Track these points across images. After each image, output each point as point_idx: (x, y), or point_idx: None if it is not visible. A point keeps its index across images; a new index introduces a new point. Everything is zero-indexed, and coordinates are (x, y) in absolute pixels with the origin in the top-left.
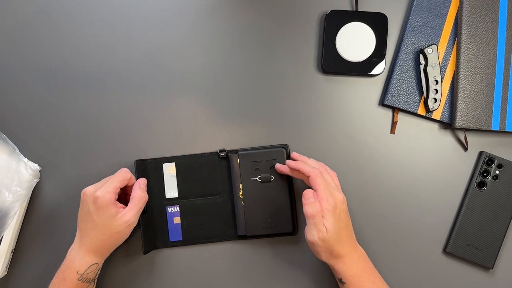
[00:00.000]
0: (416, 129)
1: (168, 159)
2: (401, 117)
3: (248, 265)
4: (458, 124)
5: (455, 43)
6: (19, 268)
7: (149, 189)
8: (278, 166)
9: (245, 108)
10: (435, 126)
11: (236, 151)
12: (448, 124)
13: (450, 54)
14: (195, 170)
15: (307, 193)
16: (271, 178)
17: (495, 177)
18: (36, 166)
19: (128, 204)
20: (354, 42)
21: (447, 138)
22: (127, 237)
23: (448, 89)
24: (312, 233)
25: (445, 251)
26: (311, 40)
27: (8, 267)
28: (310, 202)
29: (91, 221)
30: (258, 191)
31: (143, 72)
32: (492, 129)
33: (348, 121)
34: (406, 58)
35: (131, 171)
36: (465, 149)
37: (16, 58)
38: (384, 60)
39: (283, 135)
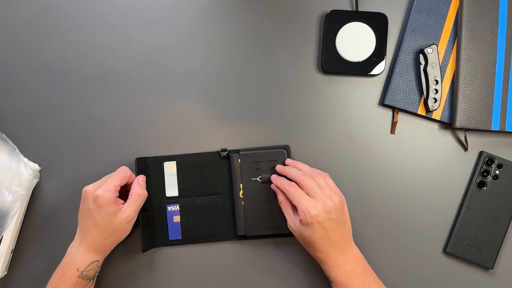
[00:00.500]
0: (416, 129)
1: (169, 158)
2: (401, 117)
3: (247, 265)
4: (458, 124)
5: (455, 43)
6: (19, 268)
7: (150, 187)
8: (279, 167)
9: (245, 107)
10: (435, 126)
11: (237, 151)
12: (448, 124)
13: (450, 54)
14: (196, 169)
15: (272, 185)
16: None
17: (495, 177)
18: (36, 166)
19: (127, 201)
20: (354, 42)
21: (447, 138)
22: (127, 234)
23: (448, 89)
24: (288, 222)
25: (445, 251)
26: (311, 40)
27: (8, 267)
28: (277, 192)
29: (92, 219)
30: (258, 192)
31: (144, 71)
32: (492, 129)
33: (348, 121)
34: (406, 58)
35: (131, 170)
36: (465, 149)
37: (16, 58)
38: (384, 60)
39: (283, 134)
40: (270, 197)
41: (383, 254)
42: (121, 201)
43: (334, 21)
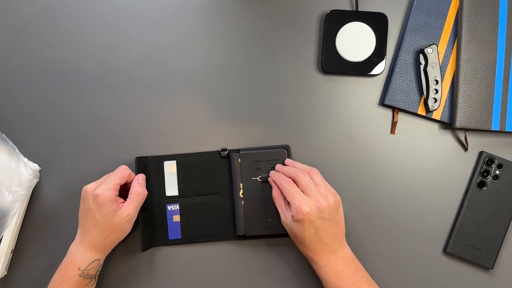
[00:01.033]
0: (416, 129)
1: (169, 157)
2: (401, 117)
3: (246, 265)
4: (458, 124)
5: (455, 43)
6: (19, 268)
7: (150, 187)
8: (278, 166)
9: (245, 107)
10: (435, 126)
11: (238, 150)
12: (448, 124)
13: (450, 54)
14: (196, 169)
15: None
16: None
17: (495, 177)
18: (36, 166)
19: (127, 199)
20: (354, 42)
21: (447, 138)
22: (128, 232)
23: (448, 89)
24: (281, 217)
25: (445, 251)
26: (311, 40)
27: (8, 267)
28: (273, 186)
29: (92, 218)
30: (258, 191)
31: (144, 71)
32: (492, 129)
33: (348, 121)
34: (406, 58)
35: (131, 169)
36: (465, 149)
37: (16, 57)
38: (384, 60)
39: (283, 134)
40: (270, 197)
41: (383, 254)
42: (121, 199)
43: (334, 21)
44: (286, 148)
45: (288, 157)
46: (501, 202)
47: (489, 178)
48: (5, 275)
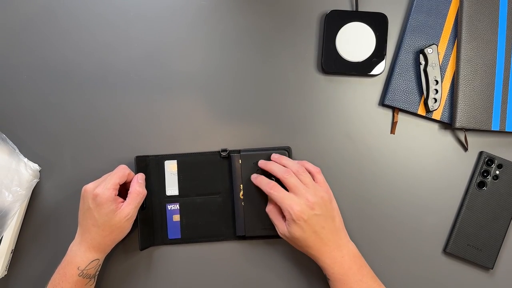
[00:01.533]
0: (416, 129)
1: (170, 157)
2: (401, 117)
3: (245, 265)
4: (458, 124)
5: (455, 43)
6: (19, 268)
7: (150, 186)
8: (261, 162)
9: (245, 107)
10: (435, 126)
11: (238, 151)
12: (448, 124)
13: (450, 54)
14: (196, 169)
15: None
16: (272, 179)
17: (495, 177)
18: (36, 166)
19: (126, 199)
20: (354, 42)
21: (447, 138)
22: (127, 232)
23: (448, 89)
24: (277, 229)
25: (445, 251)
26: (311, 40)
27: (8, 267)
28: (269, 200)
29: (92, 218)
30: (258, 192)
31: (144, 70)
32: (492, 129)
33: (348, 121)
34: (406, 58)
35: (131, 168)
36: (465, 149)
37: (16, 57)
38: (384, 60)
39: (283, 134)
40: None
41: (383, 254)
42: (121, 199)
43: (334, 21)
44: (287, 149)
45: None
46: (501, 202)
47: (489, 178)
48: (5, 275)
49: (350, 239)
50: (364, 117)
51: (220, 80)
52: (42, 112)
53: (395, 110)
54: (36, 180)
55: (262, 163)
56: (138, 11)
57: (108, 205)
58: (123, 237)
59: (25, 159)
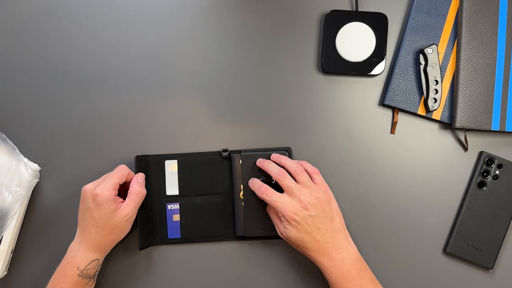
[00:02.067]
0: (416, 129)
1: (171, 156)
2: (401, 117)
3: (245, 266)
4: (458, 124)
5: (455, 43)
6: (19, 268)
7: (150, 185)
8: (259, 161)
9: (245, 107)
10: (435, 126)
11: (239, 151)
12: (448, 124)
13: (450, 54)
14: (197, 169)
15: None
16: (273, 180)
17: (495, 177)
18: (36, 166)
19: (126, 199)
20: (354, 42)
21: (447, 138)
22: (127, 232)
23: (448, 89)
24: (278, 230)
25: (445, 251)
26: (311, 40)
27: (8, 267)
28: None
29: (91, 218)
30: None
31: (144, 70)
32: (492, 129)
33: (348, 121)
34: (406, 58)
35: (131, 168)
36: (465, 149)
37: (16, 57)
38: (384, 60)
39: (283, 134)
40: None
41: (383, 254)
42: (120, 199)
43: (334, 21)
44: (288, 150)
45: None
46: (501, 202)
47: (489, 178)
48: (5, 275)
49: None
50: (364, 117)
51: (220, 80)
52: (42, 112)
53: (395, 110)
54: (36, 180)
55: (260, 162)
56: (138, 11)
57: (107, 205)
58: (122, 237)
59: (25, 159)
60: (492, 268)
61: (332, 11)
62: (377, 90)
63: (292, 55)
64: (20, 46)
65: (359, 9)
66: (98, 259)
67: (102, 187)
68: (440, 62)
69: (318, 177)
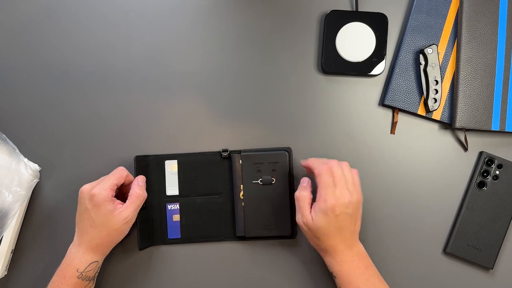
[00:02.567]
0: (416, 129)
1: (171, 156)
2: (401, 117)
3: (245, 266)
4: (458, 124)
5: (455, 43)
6: (19, 268)
7: (150, 186)
8: (303, 162)
9: (245, 107)
10: (435, 126)
11: (239, 151)
12: (448, 124)
13: (450, 54)
14: (197, 169)
15: (303, 178)
16: (273, 180)
17: (495, 177)
18: (36, 166)
19: (126, 201)
20: (354, 42)
21: (447, 138)
22: (125, 234)
23: (448, 89)
24: (298, 216)
25: (445, 251)
26: (311, 40)
27: (8, 267)
28: (300, 186)
29: (89, 219)
30: (259, 193)
31: (145, 70)
32: (492, 129)
33: (348, 121)
34: (406, 58)
35: (130, 169)
36: (465, 149)
37: (16, 57)
38: (384, 60)
39: (283, 134)
40: (270, 199)
41: (383, 254)
42: (118, 200)
43: (334, 21)
44: (288, 150)
45: (289, 159)
46: (501, 202)
47: (489, 178)
48: (5, 275)
49: None
50: (364, 117)
51: (220, 80)
52: (42, 112)
53: (395, 110)
54: (36, 180)
55: (303, 162)
56: (138, 11)
57: (105, 206)
58: (121, 239)
59: (25, 159)
60: (492, 268)
61: (332, 11)
62: (377, 90)
63: (292, 55)
64: (20, 46)
65: (359, 9)
66: (97, 261)
67: (99, 188)
68: (440, 62)
69: (357, 178)
